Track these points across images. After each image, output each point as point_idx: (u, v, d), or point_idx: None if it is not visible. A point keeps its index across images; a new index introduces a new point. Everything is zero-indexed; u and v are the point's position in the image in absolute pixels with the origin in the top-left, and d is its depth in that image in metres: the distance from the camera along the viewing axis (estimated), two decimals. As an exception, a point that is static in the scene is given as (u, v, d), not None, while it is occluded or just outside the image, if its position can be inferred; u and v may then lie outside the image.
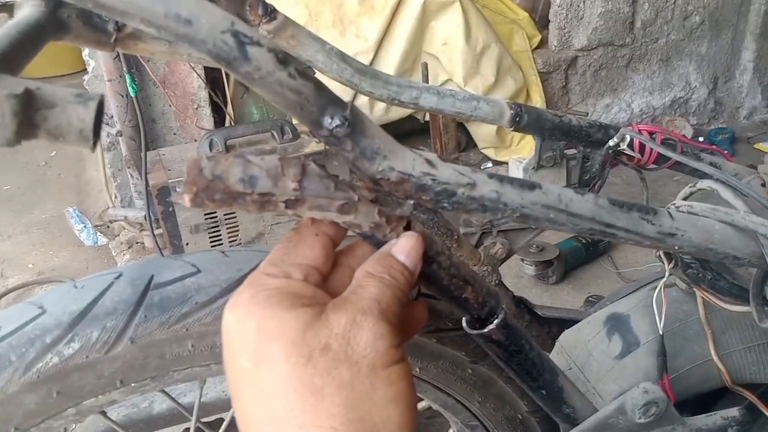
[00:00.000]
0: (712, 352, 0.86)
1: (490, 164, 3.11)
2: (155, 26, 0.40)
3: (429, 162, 0.51)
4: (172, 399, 0.73)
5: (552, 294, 2.31)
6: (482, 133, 3.05)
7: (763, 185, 0.89)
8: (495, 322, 0.58)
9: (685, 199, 0.70)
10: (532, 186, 0.55)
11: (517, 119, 0.86)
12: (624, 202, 0.60)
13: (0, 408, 0.60)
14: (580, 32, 3.29)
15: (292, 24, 0.69)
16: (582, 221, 0.57)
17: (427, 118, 2.83)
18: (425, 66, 2.67)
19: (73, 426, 0.90)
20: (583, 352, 0.93)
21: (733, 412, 0.70)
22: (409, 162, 0.50)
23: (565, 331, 0.98)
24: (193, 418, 0.72)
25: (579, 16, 3.26)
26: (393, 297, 0.42)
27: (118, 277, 0.64)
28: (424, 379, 0.75)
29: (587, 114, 3.45)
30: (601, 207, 0.58)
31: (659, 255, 0.75)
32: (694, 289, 0.80)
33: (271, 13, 0.68)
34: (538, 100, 3.12)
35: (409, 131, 3.09)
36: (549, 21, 3.31)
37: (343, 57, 0.74)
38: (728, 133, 3.50)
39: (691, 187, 0.70)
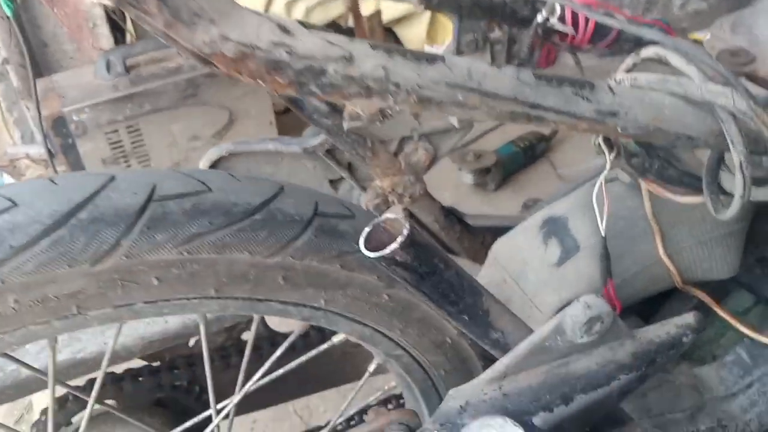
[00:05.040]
0: (660, 250, 0.77)
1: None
2: None
3: (283, 28, 0.37)
4: (19, 361, 0.60)
5: (492, 201, 2.22)
6: (412, 37, 2.86)
7: (710, 60, 0.78)
8: (398, 240, 0.46)
9: (627, 71, 0.57)
10: (432, 59, 0.42)
11: (428, -8, 0.71)
12: (553, 75, 0.47)
13: None
14: None
15: None
16: (500, 102, 0.44)
17: (351, 23, 2.62)
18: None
19: None
20: (518, 262, 0.83)
21: (688, 318, 0.61)
22: (251, 28, 0.36)
23: (498, 239, 0.87)
24: (50, 381, 0.59)
25: None
26: None
27: None
28: (332, 311, 0.63)
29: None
30: (524, 83, 0.45)
31: (599, 143, 0.64)
32: (640, 181, 0.69)
33: None
34: None
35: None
36: None
37: None
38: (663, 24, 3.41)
39: (633, 56, 0.57)
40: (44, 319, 0.51)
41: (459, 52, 0.81)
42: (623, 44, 0.88)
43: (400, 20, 2.79)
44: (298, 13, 2.58)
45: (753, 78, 0.67)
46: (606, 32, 0.85)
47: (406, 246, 0.46)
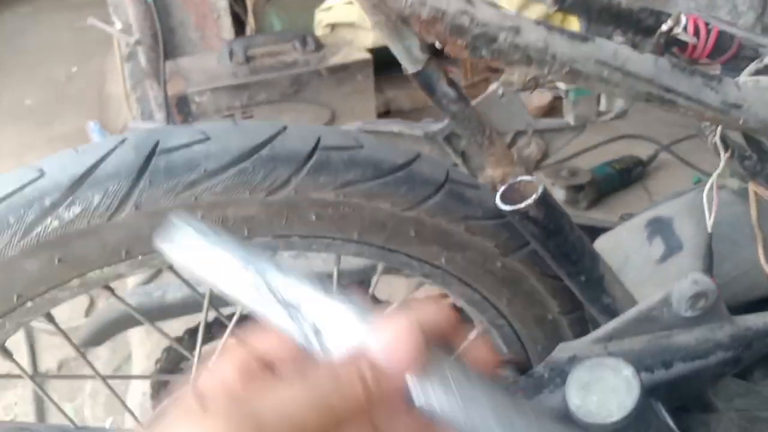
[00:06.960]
0: (762, 257, 0.80)
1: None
2: None
3: (468, -2, 0.45)
4: (185, 281, 0.70)
5: (582, 219, 2.24)
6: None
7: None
8: (533, 197, 0.52)
9: (751, 75, 0.62)
10: (584, 38, 0.48)
11: (563, -5, 0.77)
12: (686, 65, 0.52)
13: (0, 273, 0.56)
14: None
15: None
16: (639, 83, 0.50)
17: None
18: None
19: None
20: (620, 257, 0.88)
21: (787, 312, 0.65)
22: (445, -4, 0.43)
23: (601, 235, 0.92)
24: (205, 305, 0.68)
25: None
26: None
27: (121, 142, 0.59)
28: (449, 272, 0.70)
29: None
30: (661, 68, 0.51)
31: (715, 143, 0.68)
32: (750, 183, 0.73)
33: None
34: None
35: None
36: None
37: None
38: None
39: (757, 62, 0.62)
40: (218, 237, 0.60)
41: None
42: (740, 61, 0.91)
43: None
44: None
45: None
46: (725, 48, 0.88)
47: (540, 203, 0.52)
